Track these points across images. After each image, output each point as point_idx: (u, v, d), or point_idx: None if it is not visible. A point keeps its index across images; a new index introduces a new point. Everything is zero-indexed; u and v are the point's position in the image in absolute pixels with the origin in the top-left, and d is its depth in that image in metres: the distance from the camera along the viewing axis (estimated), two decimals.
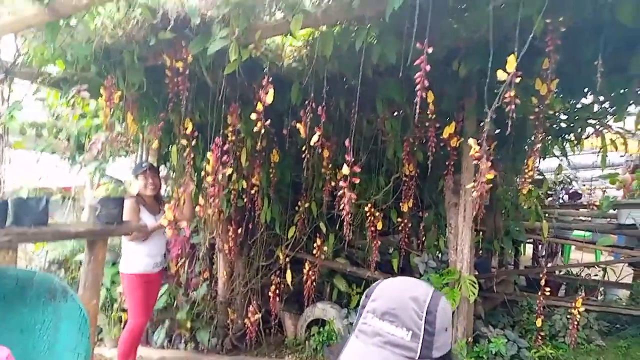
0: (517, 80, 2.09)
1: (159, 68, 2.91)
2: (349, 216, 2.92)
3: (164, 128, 3.50)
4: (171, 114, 3.39)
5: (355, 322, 0.96)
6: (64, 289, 1.96)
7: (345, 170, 2.60)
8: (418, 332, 0.88)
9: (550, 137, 4.26)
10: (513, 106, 2.14)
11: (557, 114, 4.02)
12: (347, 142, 2.57)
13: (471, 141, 2.30)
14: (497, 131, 3.71)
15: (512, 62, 2.01)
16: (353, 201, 2.81)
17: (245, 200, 4.48)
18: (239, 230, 4.66)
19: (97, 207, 2.54)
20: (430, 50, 2.04)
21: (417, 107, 2.13)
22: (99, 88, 2.84)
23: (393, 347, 0.87)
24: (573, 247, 7.01)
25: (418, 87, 2.10)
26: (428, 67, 2.08)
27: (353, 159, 2.64)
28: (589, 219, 5.35)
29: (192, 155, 3.15)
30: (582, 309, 3.76)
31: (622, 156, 4.94)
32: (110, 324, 5.02)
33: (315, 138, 2.70)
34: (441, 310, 0.91)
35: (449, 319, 0.94)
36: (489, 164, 2.23)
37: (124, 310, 5.10)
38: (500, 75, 2.06)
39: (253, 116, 2.67)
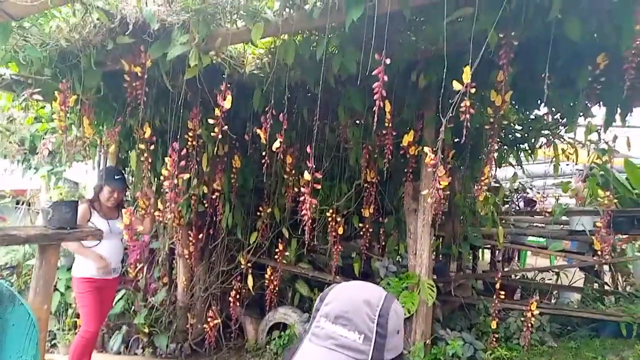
0: (473, 90, 2.16)
1: (118, 72, 2.86)
2: (311, 222, 2.95)
3: (123, 133, 3.45)
4: (130, 118, 3.35)
5: (309, 325, 0.97)
6: (11, 294, 1.90)
7: (307, 176, 2.62)
8: (370, 335, 0.89)
9: (506, 147, 4.40)
10: (468, 115, 2.21)
11: (512, 124, 4.17)
12: (308, 149, 2.59)
13: (427, 149, 2.37)
14: (456, 140, 3.82)
15: (467, 73, 2.08)
16: (315, 207, 2.84)
17: (206, 205, 4.44)
18: (200, 236, 4.62)
19: (49, 211, 2.47)
20: (388, 61, 2.09)
21: (376, 115, 2.17)
22: (53, 91, 2.77)
23: (345, 349, 0.88)
24: (529, 253, 7.24)
25: (376, 96, 2.15)
26: (386, 78, 2.12)
27: (315, 166, 2.66)
28: (543, 225, 5.54)
29: (150, 160, 3.11)
30: (536, 311, 3.89)
31: (574, 165, 5.15)
32: (64, 329, 4.89)
33: (276, 144, 2.71)
34: (393, 313, 0.93)
35: (401, 321, 0.96)
36: (444, 171, 2.29)
37: (78, 316, 4.97)
38: (456, 85, 2.13)
39: (211, 121, 2.66)
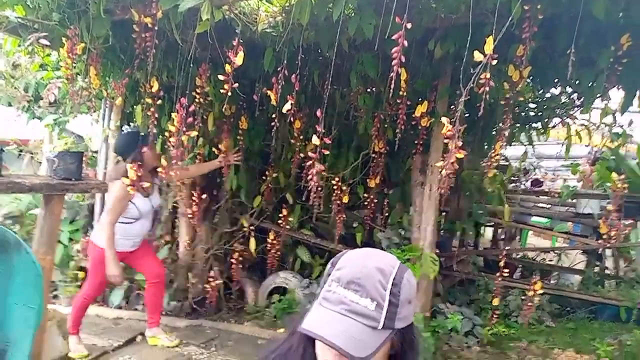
0: (494, 62, 2.08)
1: (127, 22, 2.77)
2: (317, 188, 2.91)
3: (130, 87, 3.38)
4: (137, 72, 3.27)
5: (319, 289, 0.96)
6: (16, 242, 1.88)
7: (315, 140, 2.57)
8: (382, 303, 0.88)
9: (518, 124, 4.32)
10: (487, 88, 2.14)
11: (526, 101, 4.07)
12: (318, 113, 2.53)
13: (444, 120, 2.31)
14: (467, 115, 3.75)
15: (489, 44, 2.00)
16: (321, 174, 2.80)
17: None
18: (203, 196, 4.60)
19: (54, 161, 2.44)
20: (409, 25, 2.00)
21: (393, 83, 2.10)
22: (60, 38, 2.69)
23: (356, 315, 0.87)
24: (530, 232, 7.23)
25: (394, 62, 2.07)
26: (405, 43, 2.04)
27: (324, 132, 2.61)
28: (549, 206, 5.51)
29: (156, 115, 3.06)
30: (539, 291, 3.88)
31: (586, 146, 5.08)
32: (67, 281, 4.94)
33: (287, 106, 2.64)
34: (406, 282, 0.92)
35: (413, 291, 0.95)
36: (460, 143, 2.24)
37: (80, 269, 5.02)
38: (477, 56, 2.05)
39: (221, 77, 2.59)
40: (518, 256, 6.11)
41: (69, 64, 2.58)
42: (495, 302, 4.03)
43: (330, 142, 2.67)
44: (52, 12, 2.54)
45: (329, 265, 0.98)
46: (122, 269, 3.71)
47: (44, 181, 2.34)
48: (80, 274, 4.98)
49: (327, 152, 2.72)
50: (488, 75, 2.09)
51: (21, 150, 6.11)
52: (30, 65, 3.98)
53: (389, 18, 2.35)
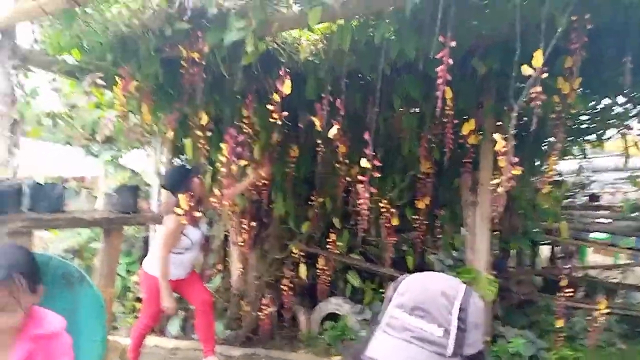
0: (544, 75, 2.03)
1: (175, 59, 2.89)
2: (367, 209, 2.89)
3: (179, 120, 3.49)
4: (186, 106, 3.39)
5: (381, 315, 0.93)
6: (80, 275, 1.95)
7: (365, 163, 2.56)
8: (449, 328, 0.85)
9: (570, 138, 4.17)
10: (539, 102, 2.09)
11: (578, 114, 3.93)
12: (366, 135, 2.53)
13: (496, 136, 2.25)
14: (515, 131, 3.65)
15: (538, 57, 1.95)
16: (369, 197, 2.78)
17: (259, 193, 4.47)
18: (253, 224, 4.66)
19: (112, 196, 2.54)
20: (453, 44, 1.99)
21: (439, 102, 2.08)
22: (114, 77, 2.84)
23: (423, 342, 0.85)
24: (591, 250, 6.89)
25: (440, 80, 2.06)
26: (450, 61, 2.03)
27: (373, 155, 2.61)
28: (609, 221, 5.24)
29: (207, 148, 3.15)
30: (605, 311, 3.67)
31: None
32: (125, 312, 5.08)
33: (333, 131, 2.67)
34: (473, 306, 0.88)
35: (481, 315, 0.91)
36: (515, 159, 2.18)
37: (138, 300, 5.15)
38: (526, 70, 2.00)
39: (270, 107, 2.65)
40: (579, 275, 5.82)
41: (123, 102, 2.71)
42: (559, 323, 3.83)
43: (379, 164, 2.66)
44: (106, 53, 2.70)
45: (389, 291, 0.95)
46: (176, 300, 3.79)
47: (103, 215, 2.44)
48: (138, 305, 5.11)
49: (378, 175, 2.71)
50: (539, 89, 2.04)
51: (79, 187, 6.39)
52: (86, 105, 4.19)
53: (430, 38, 2.36)
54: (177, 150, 4.86)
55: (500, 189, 2.30)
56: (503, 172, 2.26)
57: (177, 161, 4.84)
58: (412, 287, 0.92)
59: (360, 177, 2.68)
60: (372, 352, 0.87)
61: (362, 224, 2.88)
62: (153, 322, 4.02)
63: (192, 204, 3.27)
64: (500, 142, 2.16)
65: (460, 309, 0.86)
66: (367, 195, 2.64)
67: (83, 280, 1.93)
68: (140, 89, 2.87)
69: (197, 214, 3.49)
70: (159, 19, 2.52)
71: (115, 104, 2.82)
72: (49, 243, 5.64)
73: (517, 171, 2.19)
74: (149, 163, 5.15)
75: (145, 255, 5.31)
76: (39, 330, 1.53)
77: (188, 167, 3.78)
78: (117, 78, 2.76)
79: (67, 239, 5.51)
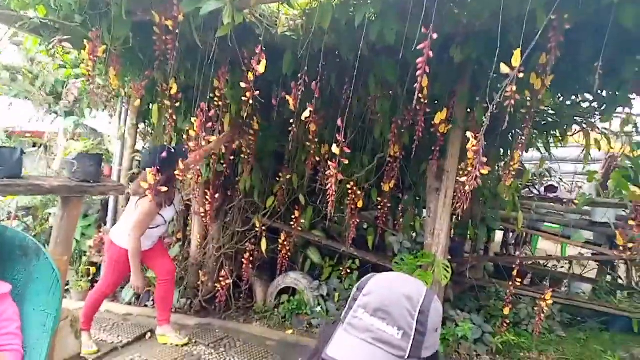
0: (521, 75, 2.05)
1: (147, 23, 2.76)
2: (333, 193, 2.90)
3: (147, 86, 3.36)
4: (156, 72, 3.26)
5: (345, 313, 0.95)
6: (37, 248, 1.89)
7: (335, 150, 2.55)
8: (409, 332, 0.87)
9: (535, 131, 4.27)
10: (512, 102, 2.11)
11: (545, 108, 4.02)
12: (339, 122, 2.51)
13: (469, 134, 2.27)
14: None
15: (517, 57, 1.97)
16: (332, 173, 2.78)
17: (224, 165, 4.40)
18: (217, 195, 4.61)
19: (73, 163, 2.44)
20: (435, 36, 1.97)
21: (417, 92, 2.07)
22: (81, 38, 2.68)
23: (383, 344, 0.86)
24: (540, 238, 7.16)
25: (419, 72, 2.04)
26: (431, 54, 2.01)
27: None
28: (562, 213, 5.44)
29: (174, 118, 3.05)
30: (549, 301, 3.85)
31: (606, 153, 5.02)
32: (78, 276, 4.96)
33: (306, 114, 2.63)
34: (433, 310, 0.91)
35: (440, 319, 0.94)
36: (484, 159, 2.21)
37: (92, 264, 5.05)
38: (504, 69, 2.01)
39: (243, 85, 2.57)
40: (529, 263, 6.05)
41: (90, 66, 2.57)
42: (506, 311, 4.00)
43: (349, 150, 2.64)
44: (74, 13, 2.54)
45: (354, 289, 0.97)
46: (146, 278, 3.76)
47: (63, 183, 2.34)
48: (92, 270, 5.02)
49: (347, 161, 2.70)
50: (514, 88, 2.05)
51: (34, 144, 6.14)
52: (49, 64, 3.97)
53: (411, 24, 2.33)
54: (143, 115, 4.71)
55: (467, 187, 2.33)
56: (471, 171, 2.28)
57: (141, 127, 4.69)
58: (377, 288, 0.93)
59: (329, 162, 2.65)
60: (332, 351, 0.88)
61: (330, 206, 2.87)
62: (111, 290, 3.97)
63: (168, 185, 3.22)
64: (472, 141, 2.18)
65: (421, 312, 0.88)
66: (334, 180, 2.63)
67: (39, 252, 1.86)
68: (109, 52, 2.72)
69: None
70: None
71: (81, 67, 2.68)
72: (2, 200, 5.41)
73: (485, 171, 2.22)
74: (111, 127, 4.97)
75: (103, 219, 5.24)
76: None
77: (172, 148, 3.66)
78: (85, 41, 2.61)
79: (23, 197, 5.30)
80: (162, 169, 3.30)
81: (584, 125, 3.91)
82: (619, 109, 3.54)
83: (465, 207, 3.06)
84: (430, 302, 0.91)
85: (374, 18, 2.70)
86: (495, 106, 2.30)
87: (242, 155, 4.24)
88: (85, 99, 4.48)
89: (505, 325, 4.14)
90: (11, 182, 2.18)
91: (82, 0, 2.46)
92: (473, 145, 2.17)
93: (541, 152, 4.51)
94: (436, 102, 3.77)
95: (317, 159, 4.02)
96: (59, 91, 4.51)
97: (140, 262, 3.68)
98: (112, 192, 2.69)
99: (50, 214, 5.20)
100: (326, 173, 2.82)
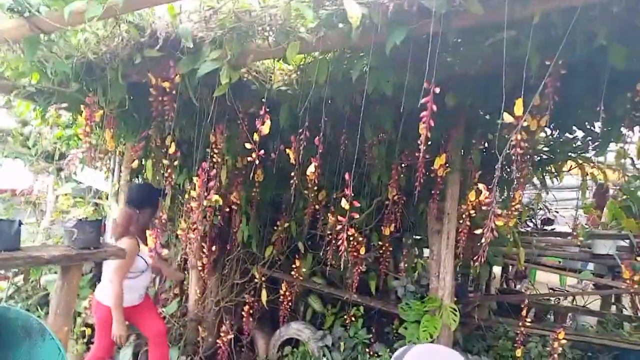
0: (525, 124, 2.06)
1: (142, 85, 2.76)
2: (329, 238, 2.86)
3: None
4: (151, 129, 3.25)
5: None
6: (41, 328, 1.81)
7: (345, 205, 2.51)
8: None
9: (530, 167, 4.28)
10: (519, 149, 2.12)
11: (539, 146, 4.05)
12: (347, 176, 2.49)
13: (481, 186, 2.27)
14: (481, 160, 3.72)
15: (519, 106, 1.98)
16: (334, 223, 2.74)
17: (220, 217, 4.34)
18: (213, 248, 4.53)
19: (73, 232, 2.37)
20: (437, 90, 1.98)
21: (423, 146, 2.08)
22: (77, 103, 2.67)
23: None
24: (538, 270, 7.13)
25: (422, 126, 2.05)
26: (435, 108, 2.02)
27: (337, 183, 2.57)
28: (561, 246, 5.43)
29: (173, 177, 3.02)
30: (563, 341, 3.77)
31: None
32: (73, 339, 4.80)
33: (311, 169, 2.61)
34: None
35: None
36: (498, 211, 2.20)
37: (87, 325, 4.89)
38: (507, 118, 2.03)
39: (248, 146, 2.56)
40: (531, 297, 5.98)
41: (88, 131, 2.55)
42: (519, 353, 3.91)
43: (358, 204, 2.62)
44: (71, 80, 2.53)
45: None
46: (128, 328, 3.63)
47: (62, 252, 2.27)
48: (87, 330, 4.86)
49: (357, 216, 2.68)
50: (519, 137, 2.06)
51: (26, 201, 6.04)
52: (45, 130, 3.96)
53: (407, 73, 2.36)
54: (136, 171, 4.67)
55: (483, 240, 2.31)
56: (485, 224, 2.26)
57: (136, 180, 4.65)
58: None
59: (339, 217, 2.61)
60: None
61: (330, 252, 2.82)
62: (106, 354, 3.83)
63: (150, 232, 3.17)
64: (485, 193, 2.17)
65: None
66: (345, 236, 2.59)
67: (44, 333, 1.78)
68: (105, 115, 2.71)
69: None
70: (129, 47, 2.38)
71: (79, 132, 2.66)
72: None
73: (501, 222, 2.21)
74: (106, 184, 4.91)
75: (97, 277, 5.10)
76: None
77: (153, 185, 3.67)
78: (81, 106, 2.59)
79: None
80: (143, 204, 3.41)
81: (579, 161, 3.94)
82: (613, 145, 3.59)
83: (465, 245, 3.07)
84: None
85: (367, 69, 2.73)
86: (494, 149, 2.32)
87: (234, 207, 4.18)
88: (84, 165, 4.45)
89: None
90: (9, 255, 2.12)
91: (78, 67, 2.45)
92: (486, 197, 2.16)
93: (537, 188, 4.52)
94: (430, 143, 3.78)
95: (315, 205, 3.99)
96: (52, 153, 4.47)
97: (122, 310, 3.51)
98: (112, 257, 2.62)
99: (42, 272, 5.07)
100: (327, 224, 2.79)
